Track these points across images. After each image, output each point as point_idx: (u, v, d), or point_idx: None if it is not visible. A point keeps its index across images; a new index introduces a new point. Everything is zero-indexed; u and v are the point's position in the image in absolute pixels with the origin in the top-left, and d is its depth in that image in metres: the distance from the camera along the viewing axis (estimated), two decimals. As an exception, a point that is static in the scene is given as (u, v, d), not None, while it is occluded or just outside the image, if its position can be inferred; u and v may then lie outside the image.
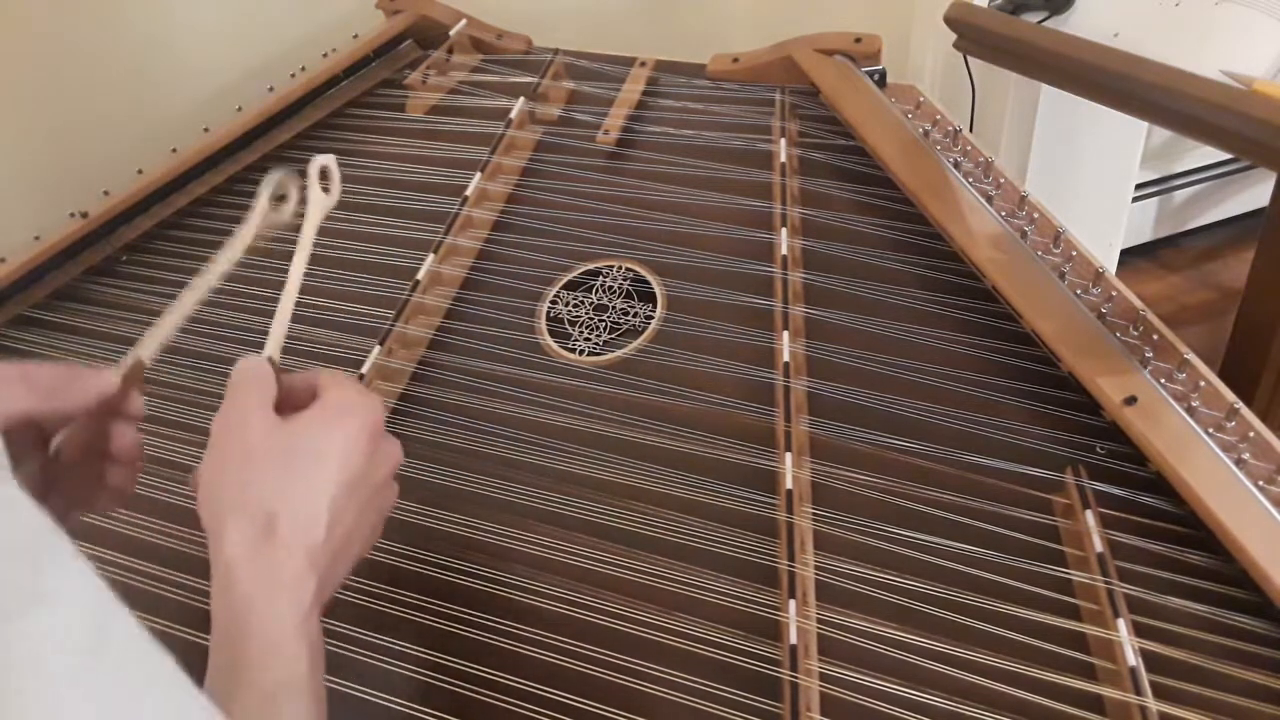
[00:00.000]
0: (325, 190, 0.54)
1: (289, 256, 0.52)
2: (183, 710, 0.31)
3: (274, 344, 0.49)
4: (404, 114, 0.94)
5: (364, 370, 0.69)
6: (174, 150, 0.90)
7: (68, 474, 0.48)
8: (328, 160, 0.54)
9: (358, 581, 0.58)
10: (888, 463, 0.60)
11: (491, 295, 0.76)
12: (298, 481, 0.42)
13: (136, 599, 0.59)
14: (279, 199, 0.52)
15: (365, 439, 0.45)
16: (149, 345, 0.50)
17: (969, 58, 1.08)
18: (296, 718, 0.39)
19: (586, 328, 0.73)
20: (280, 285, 0.51)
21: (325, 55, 0.98)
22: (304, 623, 0.40)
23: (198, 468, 0.45)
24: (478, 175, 0.83)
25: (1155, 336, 0.62)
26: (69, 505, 0.49)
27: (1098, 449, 0.60)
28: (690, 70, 0.93)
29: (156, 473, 0.64)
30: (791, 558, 0.55)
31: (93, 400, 0.47)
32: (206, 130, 0.91)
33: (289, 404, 0.45)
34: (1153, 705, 0.48)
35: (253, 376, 0.46)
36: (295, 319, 0.70)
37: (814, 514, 0.58)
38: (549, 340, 0.72)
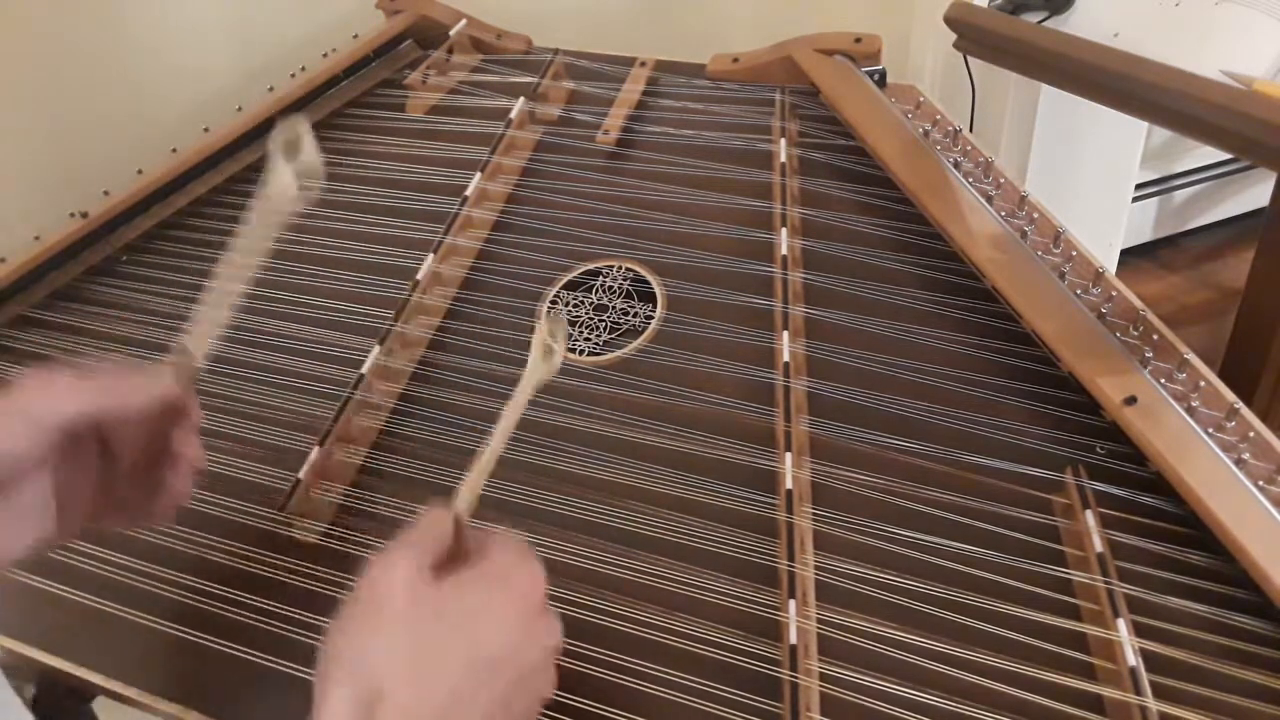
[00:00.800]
0: (549, 355, 0.48)
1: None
2: None
3: (468, 498, 0.44)
4: (404, 114, 0.94)
5: (364, 370, 0.69)
6: (174, 150, 0.90)
7: (126, 479, 0.48)
8: (558, 329, 0.48)
9: (356, 580, 0.58)
10: (888, 463, 0.60)
11: (491, 295, 0.76)
12: (421, 657, 0.37)
13: (134, 598, 0.59)
14: (291, 151, 0.49)
15: (516, 613, 0.40)
16: (198, 346, 0.49)
17: (969, 58, 1.08)
18: None
19: (586, 328, 0.73)
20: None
21: (325, 55, 0.98)
22: None
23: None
24: (478, 175, 0.83)
25: (1155, 336, 0.62)
26: (127, 511, 0.49)
27: (1098, 449, 0.60)
28: (690, 70, 0.93)
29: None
30: (791, 558, 0.55)
31: (154, 403, 0.46)
32: (206, 130, 0.91)
33: (455, 559, 0.42)
34: (1153, 705, 0.48)
35: (429, 534, 0.41)
36: (295, 318, 0.70)
37: (814, 514, 0.58)
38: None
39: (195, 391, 0.50)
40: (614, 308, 0.74)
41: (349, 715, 0.36)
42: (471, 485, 0.45)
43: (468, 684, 0.37)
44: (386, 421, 0.68)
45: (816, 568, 0.56)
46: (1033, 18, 1.03)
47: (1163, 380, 0.59)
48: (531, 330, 0.47)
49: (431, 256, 0.76)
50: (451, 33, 0.99)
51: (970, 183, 0.73)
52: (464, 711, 0.37)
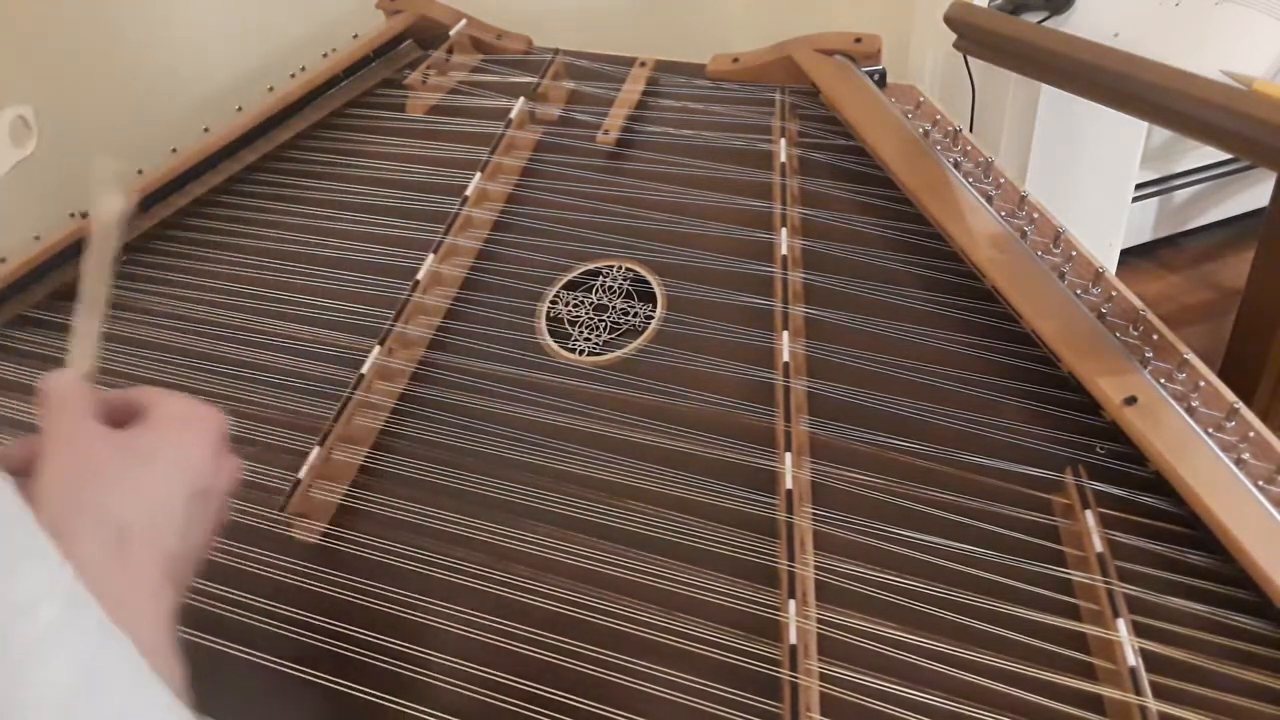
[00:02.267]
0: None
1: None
2: (144, 685, 0.31)
3: (83, 359, 0.46)
4: (404, 114, 0.94)
5: (364, 370, 0.69)
6: (174, 150, 0.90)
7: None
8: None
9: (356, 580, 0.58)
10: (888, 463, 0.60)
11: (491, 295, 0.76)
12: (147, 490, 0.41)
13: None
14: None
15: (211, 448, 0.44)
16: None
17: (969, 58, 1.08)
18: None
19: (586, 328, 0.73)
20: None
21: (325, 55, 0.98)
22: (169, 631, 0.39)
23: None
24: (478, 175, 0.83)
25: (1155, 336, 0.62)
26: None
27: (1098, 449, 0.60)
28: (690, 70, 0.93)
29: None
30: (791, 558, 0.55)
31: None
32: (206, 130, 0.91)
33: (112, 420, 0.43)
34: (1153, 705, 0.48)
35: (66, 391, 0.43)
36: (295, 318, 0.70)
37: (814, 514, 0.58)
38: (549, 340, 0.72)
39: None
40: (614, 308, 0.74)
41: (105, 549, 0.39)
42: (83, 351, 0.47)
43: (190, 509, 0.42)
44: (386, 421, 0.68)
45: (816, 568, 0.56)
46: (1033, 18, 1.03)
47: (1163, 380, 0.59)
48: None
49: (431, 256, 0.76)
50: (451, 33, 0.99)
51: (970, 183, 0.73)
52: (191, 530, 0.42)
